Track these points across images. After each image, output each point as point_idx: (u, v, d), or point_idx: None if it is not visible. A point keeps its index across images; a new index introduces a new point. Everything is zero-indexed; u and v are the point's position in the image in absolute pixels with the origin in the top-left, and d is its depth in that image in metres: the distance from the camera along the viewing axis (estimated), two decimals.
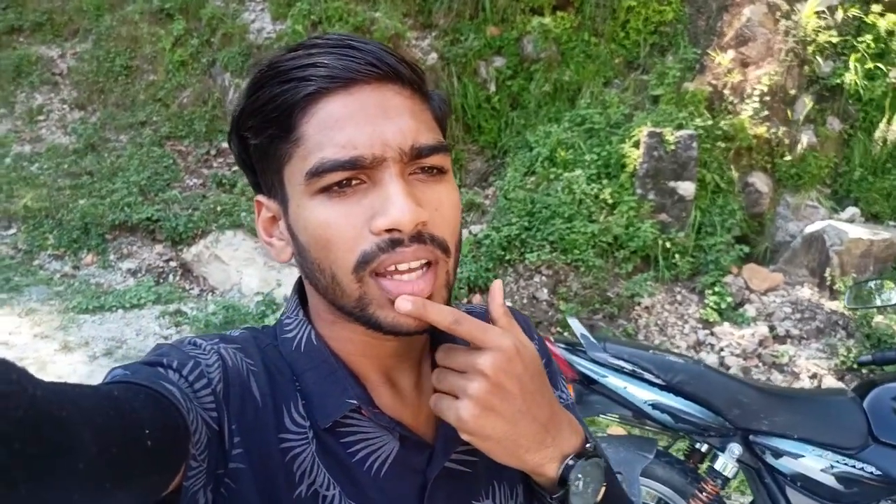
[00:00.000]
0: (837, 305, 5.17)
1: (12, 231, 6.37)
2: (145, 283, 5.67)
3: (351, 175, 0.59)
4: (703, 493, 1.98)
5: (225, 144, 6.64)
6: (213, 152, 6.61)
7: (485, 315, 0.77)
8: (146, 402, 0.50)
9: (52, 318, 5.00)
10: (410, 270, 0.60)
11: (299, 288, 0.73)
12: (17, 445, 0.34)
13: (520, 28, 6.15)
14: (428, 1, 6.38)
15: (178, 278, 5.97)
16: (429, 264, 0.61)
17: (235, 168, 6.39)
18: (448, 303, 0.64)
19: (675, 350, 5.06)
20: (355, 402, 0.64)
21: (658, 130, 5.39)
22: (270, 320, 4.93)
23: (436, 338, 0.72)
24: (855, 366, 4.62)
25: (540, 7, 6.15)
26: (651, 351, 2.11)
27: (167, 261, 6.10)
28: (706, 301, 5.27)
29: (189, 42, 6.89)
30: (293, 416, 0.64)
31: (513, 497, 0.73)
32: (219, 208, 5.99)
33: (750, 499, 2.36)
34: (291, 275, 5.77)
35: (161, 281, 5.88)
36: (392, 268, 0.59)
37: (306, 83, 0.59)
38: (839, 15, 5.55)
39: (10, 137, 6.89)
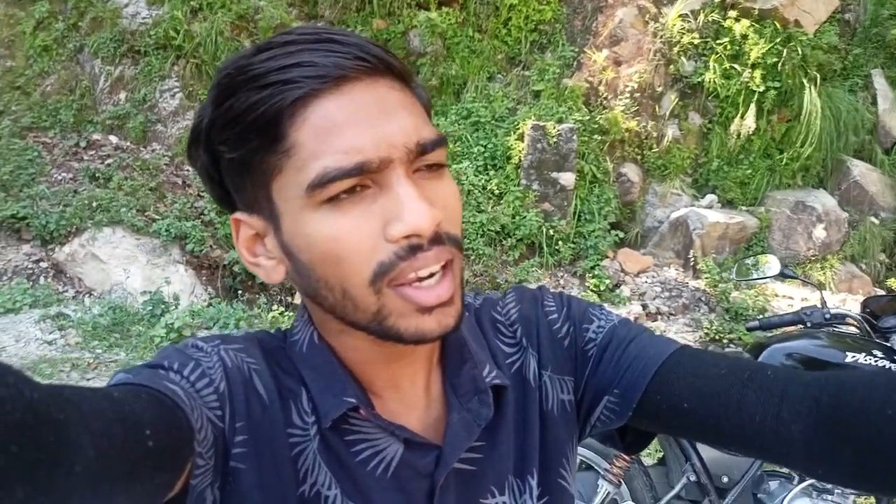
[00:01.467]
0: (700, 284, 5.66)
1: None
2: (19, 286, 5.23)
3: (358, 182, 0.54)
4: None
5: (97, 136, 6.21)
6: (82, 144, 6.16)
7: (497, 301, 0.78)
8: (148, 402, 0.49)
9: None
10: (431, 275, 0.56)
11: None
12: (14, 448, 0.33)
13: (406, 22, 6.22)
14: None
15: (50, 279, 5.55)
16: (445, 266, 0.57)
17: (110, 161, 6.00)
18: (463, 297, 0.61)
19: None
20: (353, 401, 0.62)
21: (541, 124, 5.65)
22: (161, 321, 4.70)
23: (444, 341, 0.70)
24: (717, 338, 5.10)
25: (426, 2, 6.24)
26: None
27: (37, 261, 5.64)
28: (587, 284, 5.60)
29: (53, 26, 6.36)
30: (300, 412, 0.63)
31: (525, 491, 0.71)
32: (94, 204, 5.61)
33: (655, 462, 2.59)
34: (178, 273, 5.52)
35: (33, 283, 5.45)
36: (412, 275, 0.56)
37: (293, 86, 0.54)
38: (700, 19, 6.05)
39: None
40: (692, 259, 5.79)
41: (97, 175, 5.91)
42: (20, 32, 6.34)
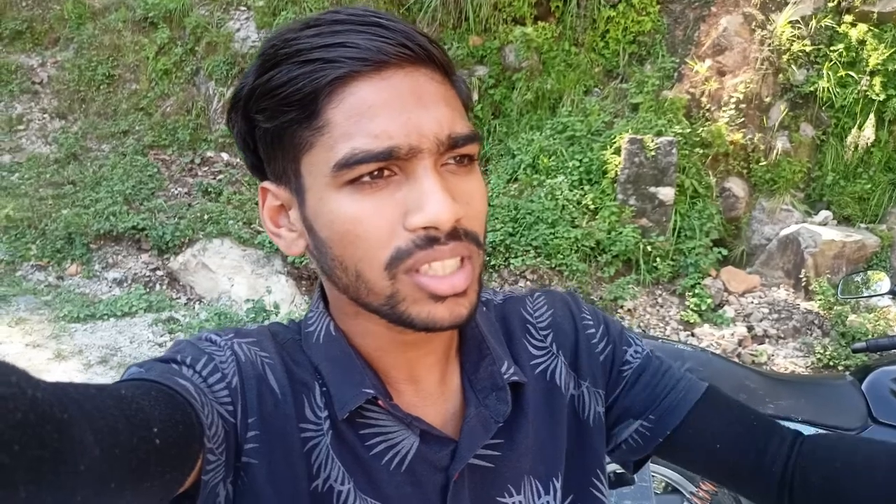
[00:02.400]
0: (812, 305, 5.30)
1: None
2: (136, 292, 5.61)
3: (384, 166, 0.55)
4: None
5: (210, 153, 6.60)
6: (197, 161, 6.57)
7: (523, 300, 0.78)
8: (157, 399, 0.49)
9: (44, 328, 4.92)
10: (445, 275, 0.56)
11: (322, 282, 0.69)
12: (17, 448, 0.33)
13: (502, 38, 6.24)
14: (412, 11, 6.44)
15: (164, 287, 5.91)
16: (462, 259, 0.58)
17: (221, 177, 6.36)
18: (479, 294, 0.61)
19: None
20: (372, 391, 0.62)
21: (638, 137, 5.49)
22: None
23: (462, 333, 0.71)
24: (831, 363, 4.75)
25: (522, 17, 6.24)
26: (660, 340, 2.16)
27: (153, 270, 6.03)
28: (686, 303, 5.38)
29: (173, 51, 6.85)
30: (313, 407, 0.63)
31: (547, 492, 0.69)
32: (205, 217, 5.95)
33: None
34: (280, 282, 5.76)
35: (149, 290, 5.83)
36: (426, 266, 0.56)
37: (335, 65, 0.54)
38: (812, 25, 5.72)
39: None
40: (804, 279, 5.43)
41: (209, 190, 6.28)
42: (144, 57, 6.86)
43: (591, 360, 0.75)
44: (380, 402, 0.62)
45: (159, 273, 6.01)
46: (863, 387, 2.02)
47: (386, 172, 0.55)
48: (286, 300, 5.60)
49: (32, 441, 0.34)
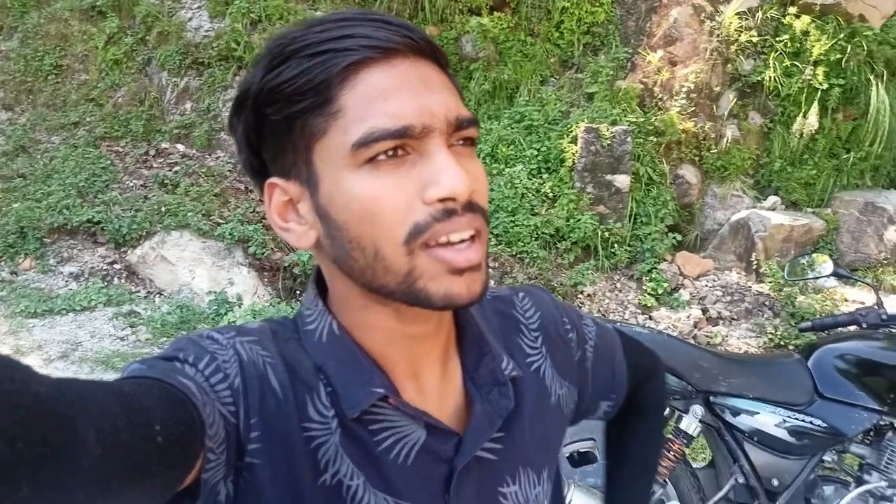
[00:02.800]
0: (763, 287, 5.51)
1: None
2: (94, 286, 5.54)
3: (399, 144, 0.57)
4: (671, 453, 2.15)
5: (165, 144, 6.49)
6: (152, 153, 6.45)
7: (511, 300, 0.83)
8: (159, 397, 0.50)
9: (0, 324, 4.83)
10: (462, 241, 0.59)
11: (317, 279, 0.71)
12: (20, 444, 0.33)
13: (458, 28, 6.28)
14: (367, 1, 6.43)
15: (123, 280, 5.82)
16: (473, 235, 0.60)
17: (177, 168, 6.26)
18: (487, 273, 0.63)
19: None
20: (382, 391, 0.63)
21: (594, 126, 5.61)
22: (225, 319, 4.89)
23: (461, 332, 0.74)
24: (782, 343, 4.96)
25: (478, 7, 6.30)
26: (618, 323, 2.26)
27: (111, 263, 5.91)
28: (644, 287, 5.53)
29: (123, 40, 6.69)
30: (317, 406, 0.64)
31: (539, 483, 0.75)
32: (163, 209, 5.86)
33: (704, 464, 2.55)
34: (241, 274, 5.72)
35: (107, 284, 5.73)
36: (444, 239, 0.58)
37: (347, 52, 0.57)
38: (759, 16, 5.91)
39: None
40: (755, 262, 5.64)
41: (165, 181, 6.18)
42: (93, 47, 6.68)
43: (569, 361, 0.83)
44: (390, 399, 0.64)
45: (117, 266, 5.91)
46: (809, 364, 2.15)
47: (400, 151, 0.58)
48: (248, 292, 5.57)
49: (35, 437, 0.34)
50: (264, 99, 0.60)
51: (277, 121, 0.60)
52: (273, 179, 0.64)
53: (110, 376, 4.06)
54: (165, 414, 0.48)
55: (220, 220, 5.84)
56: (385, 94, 0.57)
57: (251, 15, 6.39)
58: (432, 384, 0.70)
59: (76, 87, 6.74)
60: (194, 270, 5.70)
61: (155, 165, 6.40)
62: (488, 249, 0.65)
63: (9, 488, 0.33)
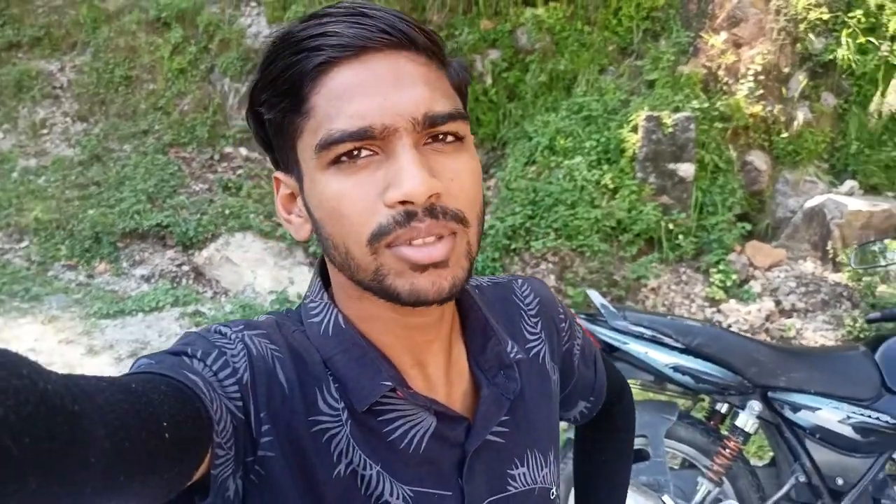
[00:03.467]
0: (841, 277, 5.25)
1: (25, 244, 6.41)
2: (162, 287, 5.77)
3: (360, 145, 0.57)
4: (727, 450, 2.07)
5: (228, 149, 6.70)
6: (216, 157, 6.68)
7: (510, 286, 0.84)
8: (167, 393, 0.50)
9: (75, 325, 5.09)
10: (425, 245, 0.58)
11: (321, 269, 0.72)
12: (28, 440, 0.34)
13: (513, 20, 6.23)
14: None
15: (191, 281, 6.05)
16: (442, 237, 0.59)
17: (240, 172, 6.47)
18: (469, 273, 0.62)
19: None
20: (390, 383, 0.64)
21: (655, 114, 5.47)
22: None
23: (465, 319, 0.74)
24: (861, 336, 4.71)
25: None
26: (669, 317, 2.19)
27: (179, 265, 6.16)
28: (711, 279, 5.35)
29: (187, 49, 6.95)
30: (326, 399, 0.64)
31: (546, 465, 0.76)
32: (227, 211, 6.06)
33: (765, 462, 2.45)
34: (302, 273, 5.85)
35: (176, 285, 5.97)
36: (406, 242, 0.58)
37: (316, 53, 0.57)
38: None
39: (14, 152, 6.93)
40: (831, 251, 5.38)
41: (229, 185, 6.39)
42: (159, 57, 6.96)
43: (560, 351, 0.85)
44: (398, 391, 0.64)
45: (185, 268, 6.14)
46: (876, 356, 2.03)
47: (364, 152, 0.58)
48: None
49: (43, 433, 0.35)
50: (257, 98, 0.62)
51: (270, 119, 0.62)
52: (277, 173, 0.67)
53: None
54: (173, 410, 0.49)
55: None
56: (349, 94, 0.57)
57: None
58: (438, 371, 0.70)
59: (145, 96, 7.04)
60: (256, 271, 5.87)
61: (219, 169, 6.61)
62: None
63: (17, 484, 0.33)
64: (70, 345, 4.76)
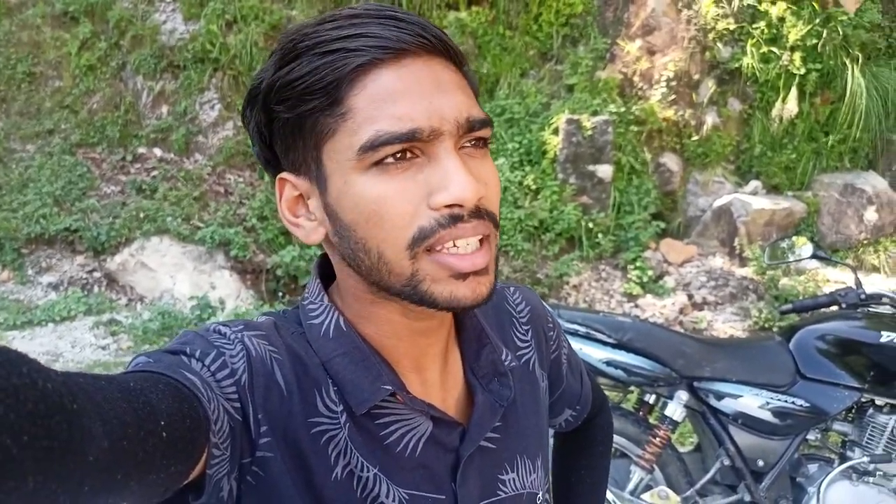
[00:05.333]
0: (747, 272, 5.58)
1: None
2: (73, 295, 5.51)
3: (407, 147, 0.57)
4: (657, 439, 2.17)
5: (142, 150, 6.44)
6: (129, 158, 6.40)
7: (502, 293, 0.85)
8: (165, 392, 0.50)
9: None
10: (468, 252, 0.59)
11: (320, 271, 0.72)
12: (26, 438, 0.34)
13: (436, 23, 6.27)
14: (343, 1, 6.42)
15: (103, 288, 5.79)
16: (481, 239, 0.60)
17: (155, 173, 6.22)
18: (496, 275, 0.64)
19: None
20: (390, 388, 0.64)
21: (575, 117, 5.65)
22: (210, 322, 4.89)
23: (460, 325, 0.75)
24: (766, 326, 5.02)
25: (455, 2, 6.31)
26: (601, 314, 2.28)
27: (90, 271, 5.89)
28: (629, 276, 5.57)
29: (97, 45, 6.62)
30: (325, 401, 0.64)
31: (534, 470, 0.77)
32: (141, 215, 5.83)
33: (690, 448, 2.59)
34: (223, 278, 5.70)
35: (87, 293, 5.70)
36: (450, 244, 0.58)
37: (357, 53, 0.57)
38: (735, 3, 5.96)
39: None
40: (738, 247, 5.71)
41: (143, 187, 6.14)
42: (66, 53, 6.61)
43: (549, 359, 0.86)
44: (397, 395, 0.65)
45: (97, 275, 5.88)
46: (790, 345, 2.19)
47: (409, 154, 0.58)
48: (231, 295, 5.56)
49: (42, 431, 0.35)
50: (275, 96, 0.60)
51: (288, 118, 0.61)
52: (284, 174, 0.65)
53: None
54: (170, 409, 0.48)
55: (201, 224, 5.81)
56: (394, 97, 0.57)
57: (226, 16, 6.35)
58: (435, 376, 0.71)
59: (50, 94, 6.68)
60: (175, 276, 5.67)
61: (132, 171, 6.35)
62: (498, 253, 0.66)
63: (15, 482, 0.33)
64: None
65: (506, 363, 0.74)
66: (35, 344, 4.73)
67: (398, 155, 0.57)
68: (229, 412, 0.58)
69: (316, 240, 0.65)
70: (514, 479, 0.75)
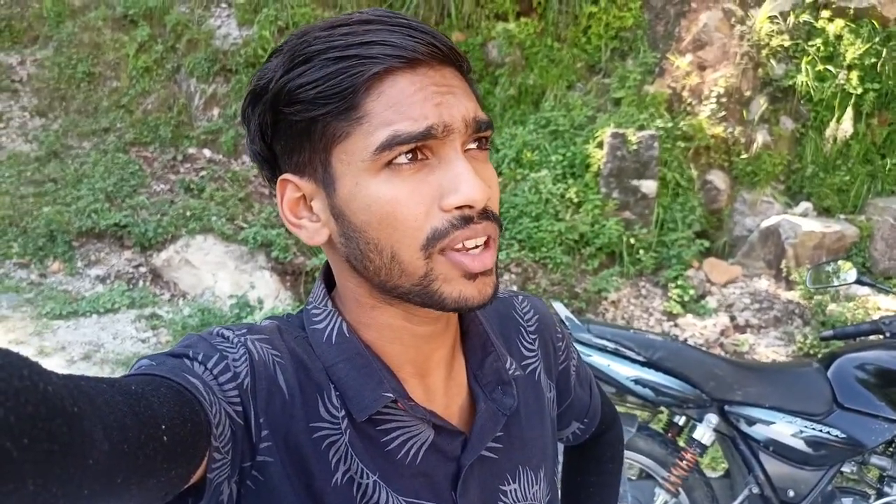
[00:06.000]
0: (794, 295, 5.41)
1: None
2: (118, 289, 5.66)
3: (422, 145, 0.59)
4: (683, 462, 2.12)
5: (192, 150, 6.61)
6: (179, 158, 6.57)
7: (510, 301, 0.85)
8: (166, 396, 0.50)
9: (26, 325, 4.95)
10: (476, 246, 0.61)
11: (325, 276, 0.72)
12: (27, 441, 0.34)
13: (484, 34, 6.30)
14: (394, 6, 6.48)
15: (148, 283, 5.93)
16: (486, 240, 0.62)
17: (203, 173, 6.38)
18: (498, 276, 0.65)
19: None
20: (391, 395, 0.65)
21: (621, 131, 5.57)
22: (247, 322, 4.96)
23: (465, 332, 0.76)
24: (812, 352, 4.86)
25: (504, 13, 6.31)
26: (632, 331, 2.24)
27: (136, 266, 6.04)
28: (669, 294, 5.45)
29: (153, 48, 6.84)
30: (327, 406, 0.65)
31: (537, 482, 0.77)
32: (188, 213, 5.97)
33: (719, 474, 2.51)
34: (263, 278, 5.79)
35: (132, 287, 5.84)
36: (460, 245, 0.60)
37: (374, 61, 0.58)
38: (791, 20, 5.82)
39: None
40: (784, 270, 5.54)
41: (191, 186, 6.29)
42: (124, 55, 6.85)
43: (557, 369, 0.86)
44: (399, 402, 0.65)
45: (142, 270, 6.03)
46: (828, 373, 2.11)
47: (420, 155, 0.60)
48: (270, 295, 5.64)
49: (42, 434, 0.35)
50: (284, 98, 0.61)
51: (297, 120, 0.61)
52: (286, 176, 0.65)
53: None
54: (172, 412, 0.49)
55: (244, 225, 5.92)
56: (410, 100, 0.59)
57: (278, 23, 6.49)
58: (438, 383, 0.72)
59: (107, 93, 6.92)
60: (217, 274, 5.78)
61: (182, 171, 6.52)
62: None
63: (15, 484, 0.33)
64: (20, 346, 4.61)
65: (510, 371, 0.74)
66: (78, 334, 4.87)
67: (410, 155, 0.59)
68: (231, 416, 0.58)
69: (319, 241, 0.66)
70: (515, 490, 0.74)
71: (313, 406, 0.64)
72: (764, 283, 5.55)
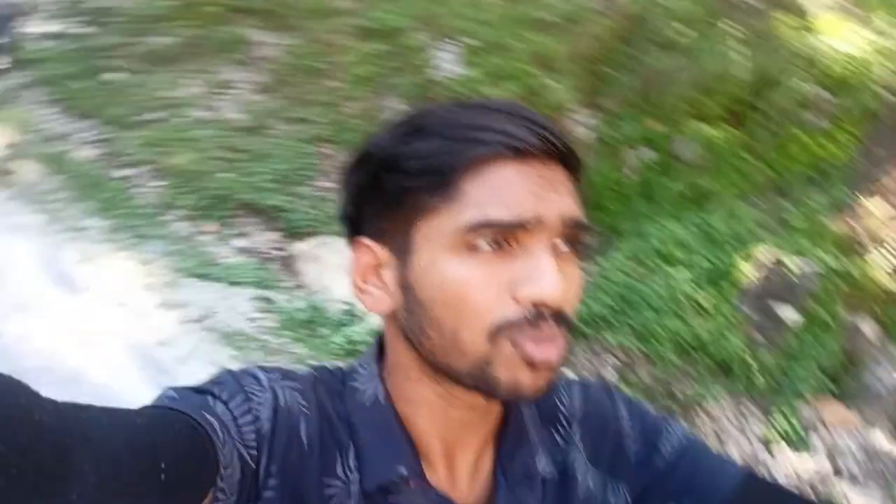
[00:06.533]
0: None
1: (156, 185, 8.39)
2: (250, 265, 7.20)
3: (508, 233, 0.75)
4: None
5: None
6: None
7: (562, 391, 1.05)
8: (179, 431, 0.66)
9: (163, 274, 6.56)
10: (546, 345, 0.76)
11: (380, 341, 0.92)
12: (13, 471, 0.43)
13: (676, 128, 7.88)
14: (605, 84, 8.42)
15: (278, 267, 7.58)
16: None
17: None
18: (558, 372, 0.82)
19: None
20: (404, 472, 0.82)
21: (781, 257, 6.64)
22: (345, 330, 6.42)
23: (505, 419, 0.94)
24: None
25: (706, 116, 7.92)
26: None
27: (275, 249, 7.67)
28: (773, 421, 6.23)
29: (377, 62, 9.10)
30: (344, 466, 0.83)
31: None
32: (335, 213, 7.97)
33: None
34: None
35: (263, 267, 7.33)
36: (530, 339, 0.76)
37: (481, 145, 0.76)
38: None
39: (189, 101, 9.24)
40: None
41: None
42: (348, 61, 9.36)
43: (619, 457, 1.02)
44: (411, 482, 0.83)
45: (278, 254, 7.79)
46: None
47: (505, 244, 0.77)
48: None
49: (30, 466, 0.45)
50: (386, 165, 0.81)
51: (391, 188, 0.81)
52: (365, 240, 0.86)
53: (228, 353, 5.75)
54: (179, 450, 0.65)
55: None
56: (509, 188, 0.76)
57: (498, 73, 8.47)
58: (465, 466, 0.90)
59: (322, 90, 9.30)
60: (337, 277, 7.01)
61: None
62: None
63: None
64: (150, 291, 6.21)
65: (538, 467, 0.93)
66: (201, 296, 6.39)
67: (496, 241, 0.78)
68: (244, 458, 0.77)
69: (381, 310, 0.85)
70: None
71: (331, 462, 0.83)
72: (879, 437, 6.20)
